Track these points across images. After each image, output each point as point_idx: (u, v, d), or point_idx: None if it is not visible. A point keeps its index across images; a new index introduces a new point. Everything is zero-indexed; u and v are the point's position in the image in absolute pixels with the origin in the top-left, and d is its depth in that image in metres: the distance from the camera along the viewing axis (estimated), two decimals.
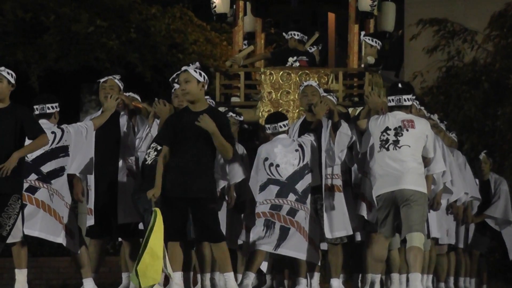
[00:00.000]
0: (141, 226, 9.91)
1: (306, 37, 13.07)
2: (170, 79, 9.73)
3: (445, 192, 11.26)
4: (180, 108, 9.89)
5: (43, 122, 9.55)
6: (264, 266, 10.75)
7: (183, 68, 9.03)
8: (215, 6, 12.77)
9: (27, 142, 9.10)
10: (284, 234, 10.02)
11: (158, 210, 8.67)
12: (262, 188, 10.11)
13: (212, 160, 9.04)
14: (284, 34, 13.28)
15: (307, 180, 10.12)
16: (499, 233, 13.85)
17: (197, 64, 9.21)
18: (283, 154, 10.13)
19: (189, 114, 8.97)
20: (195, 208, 8.85)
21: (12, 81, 9.01)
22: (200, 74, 8.91)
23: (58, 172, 9.81)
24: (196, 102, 8.95)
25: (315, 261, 10.29)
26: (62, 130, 9.90)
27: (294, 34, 13.09)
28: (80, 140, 10.01)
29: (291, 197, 10.05)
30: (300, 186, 10.09)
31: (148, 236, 8.67)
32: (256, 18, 13.48)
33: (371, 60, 12.24)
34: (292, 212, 10.05)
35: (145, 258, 8.68)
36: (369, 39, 12.50)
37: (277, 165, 10.09)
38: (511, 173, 15.63)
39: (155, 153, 9.56)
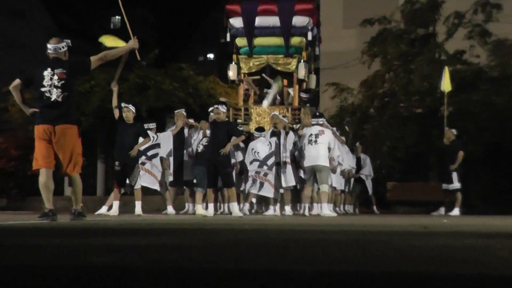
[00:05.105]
0: (194, 181, 9.90)
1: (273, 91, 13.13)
2: (209, 110, 9.62)
3: (339, 165, 11.38)
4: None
5: (148, 132, 9.67)
6: (254, 200, 10.87)
7: (216, 105, 8.96)
8: (229, 76, 12.84)
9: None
10: (261, 185, 10.04)
11: None
12: (251, 163, 10.12)
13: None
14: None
15: (273, 159, 10.11)
16: (365, 182, 14.04)
17: (224, 99, 9.30)
18: (261, 146, 10.16)
19: (217, 123, 8.88)
20: (221, 169, 8.74)
21: (134, 111, 9.06)
22: (224, 108, 8.95)
23: (155, 155, 9.86)
24: (221, 119, 8.88)
25: (277, 197, 10.32)
26: (157, 136, 10.00)
27: (266, 90, 13.23)
28: (165, 139, 10.11)
29: (265, 167, 10.06)
30: (269, 162, 10.09)
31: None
32: (249, 81, 13.53)
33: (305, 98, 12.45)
34: (265, 175, 10.06)
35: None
36: (303, 93, 12.75)
37: (258, 152, 10.11)
38: (371, 155, 15.79)
39: (202, 146, 9.60)
